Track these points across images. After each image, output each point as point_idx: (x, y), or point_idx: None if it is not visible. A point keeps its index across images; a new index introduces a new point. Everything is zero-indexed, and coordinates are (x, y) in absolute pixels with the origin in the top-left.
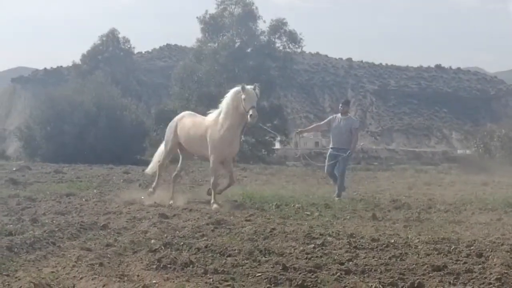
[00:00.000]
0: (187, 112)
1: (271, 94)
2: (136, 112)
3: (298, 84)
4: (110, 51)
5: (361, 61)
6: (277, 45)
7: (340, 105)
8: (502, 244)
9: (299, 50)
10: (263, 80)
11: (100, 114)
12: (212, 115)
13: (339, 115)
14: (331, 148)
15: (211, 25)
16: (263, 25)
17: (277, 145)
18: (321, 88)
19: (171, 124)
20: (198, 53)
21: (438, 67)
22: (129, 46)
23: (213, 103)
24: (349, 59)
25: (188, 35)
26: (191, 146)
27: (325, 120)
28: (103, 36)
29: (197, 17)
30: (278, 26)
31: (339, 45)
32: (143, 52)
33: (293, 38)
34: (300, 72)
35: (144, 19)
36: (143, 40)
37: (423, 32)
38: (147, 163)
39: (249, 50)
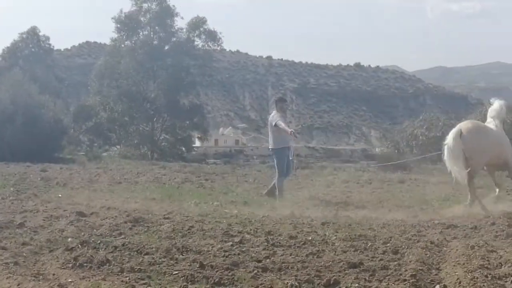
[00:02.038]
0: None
1: (191, 92)
2: (54, 110)
3: (218, 82)
4: (29, 48)
5: (281, 59)
6: (196, 43)
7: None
8: (418, 241)
9: (218, 48)
10: (183, 78)
11: (17, 111)
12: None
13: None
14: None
15: (126, 24)
16: (181, 22)
17: (197, 143)
18: (241, 86)
19: (481, 130)
20: (114, 52)
21: (357, 65)
22: (49, 44)
23: (132, 100)
24: (269, 57)
25: (109, 32)
26: (496, 155)
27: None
28: (23, 33)
29: (112, 18)
30: (198, 25)
31: (259, 43)
32: (62, 50)
33: (212, 37)
34: (220, 70)
35: (63, 16)
36: (62, 37)
37: (343, 30)
38: (65, 161)
39: (167, 47)
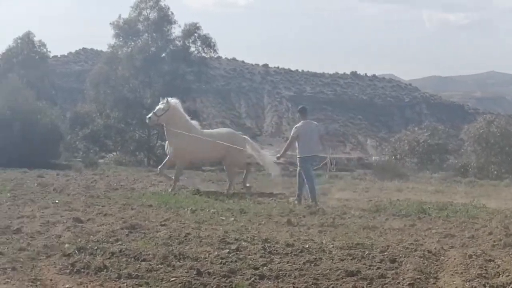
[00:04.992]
0: None
1: (187, 99)
2: (51, 116)
3: (214, 89)
4: (25, 54)
5: (278, 67)
6: (192, 49)
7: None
8: (415, 250)
9: (214, 55)
10: (178, 85)
11: (14, 117)
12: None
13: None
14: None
15: (124, 30)
16: (178, 30)
17: None
18: (237, 94)
19: None
20: (111, 58)
21: (354, 74)
22: (45, 49)
23: (128, 107)
24: (266, 65)
25: (105, 39)
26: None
27: (293, 134)
28: (18, 38)
29: (110, 23)
30: (192, 31)
31: (255, 51)
32: (59, 56)
33: (207, 42)
34: (216, 77)
35: (60, 22)
36: (59, 43)
37: (339, 39)
38: (62, 167)
39: (163, 55)
